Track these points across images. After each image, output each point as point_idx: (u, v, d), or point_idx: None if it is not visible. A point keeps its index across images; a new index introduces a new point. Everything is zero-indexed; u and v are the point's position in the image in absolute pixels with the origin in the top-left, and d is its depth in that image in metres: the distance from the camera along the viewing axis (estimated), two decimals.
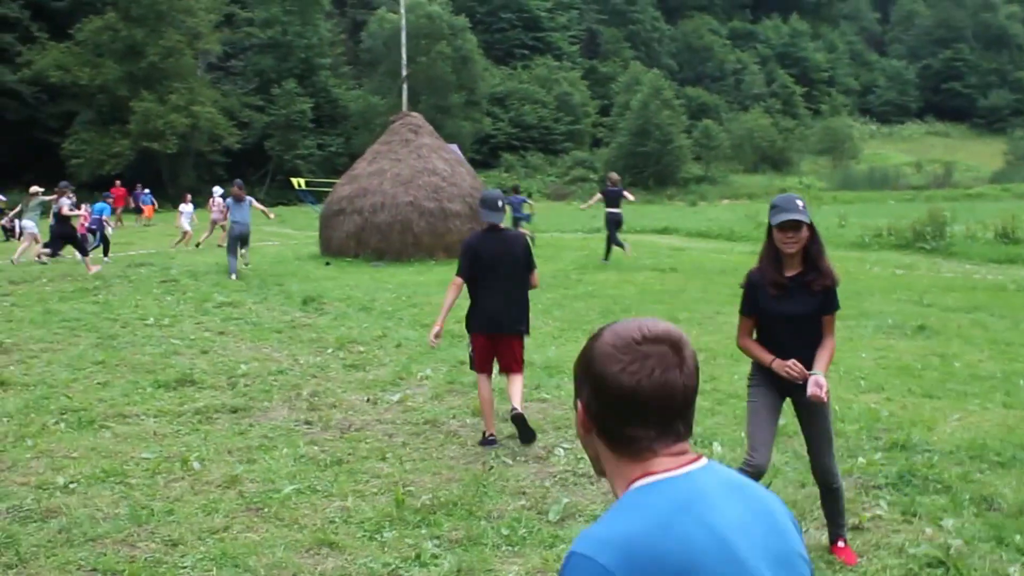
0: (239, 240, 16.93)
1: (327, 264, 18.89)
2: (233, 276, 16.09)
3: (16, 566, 4.58)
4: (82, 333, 11.00)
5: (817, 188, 49.97)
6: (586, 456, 5.53)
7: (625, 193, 18.76)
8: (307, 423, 7.18)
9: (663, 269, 17.13)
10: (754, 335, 4.58)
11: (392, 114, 33.03)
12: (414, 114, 22.69)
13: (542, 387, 8.22)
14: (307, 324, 11.60)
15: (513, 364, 6.78)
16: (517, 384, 6.74)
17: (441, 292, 14.14)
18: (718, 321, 11.43)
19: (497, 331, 6.69)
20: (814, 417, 4.52)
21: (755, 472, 4.36)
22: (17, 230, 27.49)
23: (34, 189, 19.70)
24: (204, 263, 19.00)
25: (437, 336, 6.82)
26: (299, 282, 15.53)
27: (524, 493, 5.58)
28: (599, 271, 17.12)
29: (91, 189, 42.08)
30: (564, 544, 4.78)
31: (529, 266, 6.81)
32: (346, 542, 4.84)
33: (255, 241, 22.58)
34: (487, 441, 6.60)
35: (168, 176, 43.43)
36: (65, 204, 17.93)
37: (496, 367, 6.87)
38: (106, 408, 7.57)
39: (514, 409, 6.59)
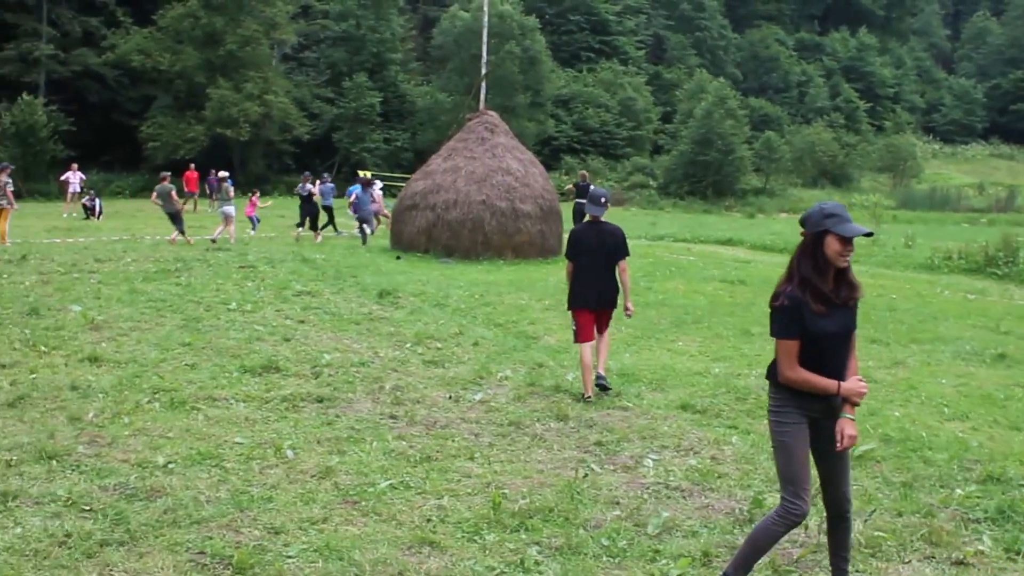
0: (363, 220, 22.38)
1: (398, 258, 19.02)
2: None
3: (127, 543, 4.66)
4: (167, 314, 11.25)
5: (884, 206, 49.07)
6: (677, 468, 5.49)
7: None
8: (392, 417, 7.22)
9: (731, 281, 16.92)
10: None
11: (460, 112, 33.20)
12: (491, 113, 22.70)
13: (623, 395, 8.16)
14: (384, 317, 11.69)
15: (603, 328, 8.20)
16: (605, 341, 8.23)
17: (511, 292, 14.39)
18: None
19: (589, 307, 8.05)
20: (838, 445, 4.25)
21: (801, 518, 4.11)
22: (98, 208, 28.48)
23: (223, 174, 22.05)
24: (280, 250, 19.28)
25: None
26: (372, 275, 15.67)
27: (618, 503, 5.54)
28: (668, 279, 16.99)
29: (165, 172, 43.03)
30: (665, 559, 4.74)
31: (619, 255, 7.99)
32: (447, 542, 4.84)
33: (327, 232, 23.80)
34: (584, 399, 7.89)
35: (239, 163, 44.11)
36: (310, 187, 22.95)
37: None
38: (196, 390, 7.71)
39: (599, 377, 8.05)
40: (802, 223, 4.15)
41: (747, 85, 73.06)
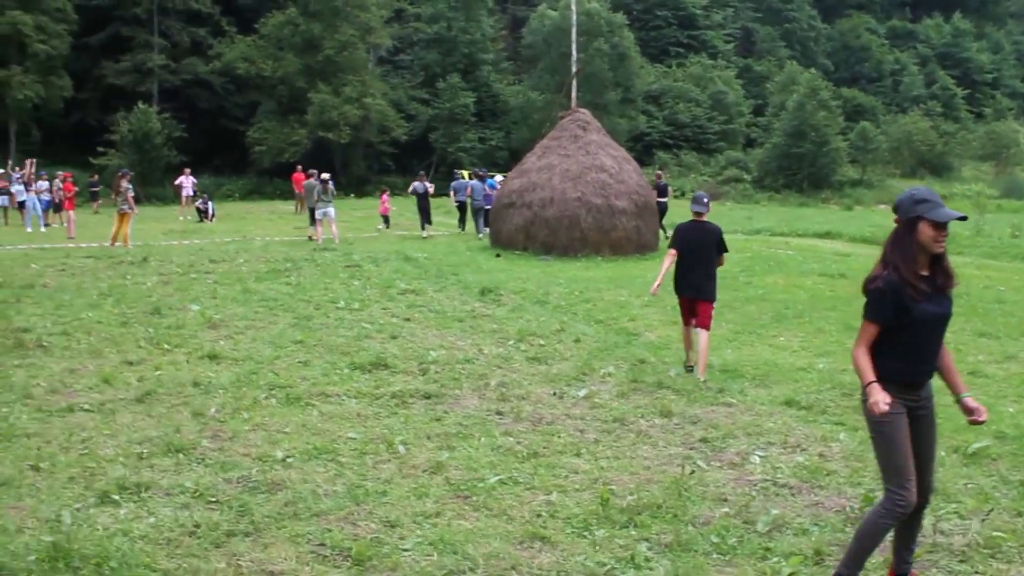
0: (477, 212, 24.17)
1: (497, 256, 19.21)
2: (480, 235, 23.48)
3: (252, 534, 4.88)
4: (279, 312, 11.64)
5: (986, 195, 47.21)
6: (784, 465, 5.45)
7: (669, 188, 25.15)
8: (498, 413, 7.33)
9: (831, 275, 16.59)
10: None
11: (552, 110, 33.28)
12: (583, 110, 22.74)
13: (726, 391, 8.11)
14: (486, 315, 11.84)
15: (702, 322, 8.83)
16: (703, 337, 8.80)
17: (610, 288, 14.42)
18: None
19: (693, 296, 8.86)
20: (929, 435, 4.21)
21: (907, 509, 4.05)
22: (210, 211, 29.56)
23: (325, 176, 22.66)
24: (384, 249, 19.69)
25: (655, 290, 9.12)
26: (473, 273, 15.88)
27: (726, 500, 5.52)
28: (767, 274, 16.76)
29: (271, 176, 44.51)
30: (776, 557, 4.71)
31: (719, 250, 8.87)
32: (557, 537, 4.91)
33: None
34: (688, 368, 8.88)
35: (340, 165, 45.23)
36: (427, 185, 25.10)
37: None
38: (309, 386, 7.97)
39: (690, 366, 8.91)
40: (895, 209, 4.14)
41: (839, 76, 71.46)
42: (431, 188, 25.43)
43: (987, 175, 59.27)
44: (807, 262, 18.66)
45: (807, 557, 4.69)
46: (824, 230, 27.13)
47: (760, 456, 6.33)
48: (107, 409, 7.21)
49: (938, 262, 4.09)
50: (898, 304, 3.99)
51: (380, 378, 8.34)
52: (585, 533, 4.99)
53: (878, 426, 4.08)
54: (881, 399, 3.90)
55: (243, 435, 6.59)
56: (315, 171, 23.99)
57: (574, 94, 26.01)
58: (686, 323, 9.02)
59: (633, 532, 5.00)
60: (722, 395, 7.98)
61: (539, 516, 5.21)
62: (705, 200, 8.95)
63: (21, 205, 26.53)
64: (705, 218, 8.89)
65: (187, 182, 32.28)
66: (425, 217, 24.59)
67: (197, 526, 4.94)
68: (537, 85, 54.58)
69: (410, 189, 25.36)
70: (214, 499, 5.35)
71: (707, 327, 8.82)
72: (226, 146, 46.55)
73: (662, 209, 23.25)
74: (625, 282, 15.17)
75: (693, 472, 5.97)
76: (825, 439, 6.74)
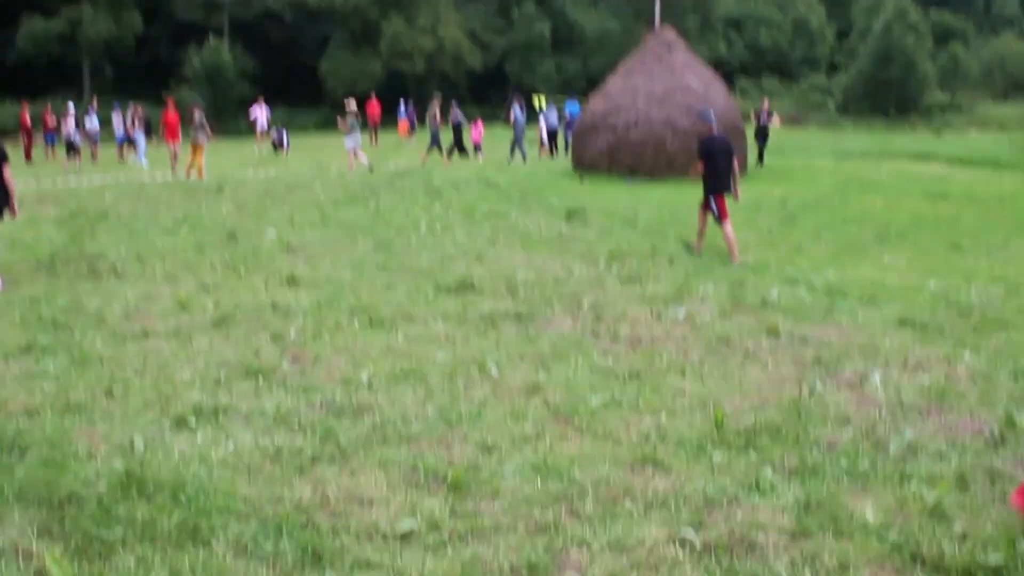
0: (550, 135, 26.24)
1: (581, 181, 18.65)
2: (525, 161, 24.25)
3: (338, 460, 4.51)
4: (359, 237, 11.37)
5: None
6: (908, 386, 4.85)
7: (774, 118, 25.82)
8: (594, 334, 6.94)
9: (932, 196, 15.91)
10: None
11: (632, 35, 32.18)
12: (668, 30, 21.76)
13: (834, 310, 7.63)
14: (575, 237, 11.45)
15: (727, 214, 10.30)
16: (731, 227, 10.22)
17: None
18: (1010, 250, 10.65)
19: (724, 191, 10.30)
20: None
21: None
22: (285, 142, 29.08)
23: (352, 108, 22.12)
24: (464, 175, 19.31)
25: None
26: (558, 196, 15.42)
27: (849, 422, 5.04)
28: (862, 195, 16.15)
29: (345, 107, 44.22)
30: (916, 481, 4.21)
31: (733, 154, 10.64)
32: (671, 461, 4.47)
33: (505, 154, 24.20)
34: (690, 248, 10.52)
35: (415, 96, 44.94)
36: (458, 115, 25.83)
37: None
38: (393, 309, 7.63)
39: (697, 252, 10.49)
40: None
41: None
42: (463, 120, 26.31)
43: None
44: (904, 184, 18.03)
45: (951, 483, 4.19)
46: (918, 151, 26.11)
47: (880, 377, 5.83)
48: (183, 334, 6.93)
49: None
50: None
51: (467, 300, 7.96)
52: (701, 457, 4.54)
53: None
54: None
55: (325, 358, 6.26)
56: (439, 94, 25.03)
57: (657, 15, 25.03)
58: (725, 217, 10.28)
59: (753, 455, 4.55)
60: (830, 314, 7.50)
61: (648, 439, 4.78)
62: (713, 117, 10.97)
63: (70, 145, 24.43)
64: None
65: (261, 114, 31.80)
66: (456, 147, 25.26)
67: (279, 452, 4.60)
68: (615, 12, 53.32)
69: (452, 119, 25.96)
70: (296, 424, 5.00)
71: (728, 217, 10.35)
72: (299, 79, 46.41)
73: (765, 135, 23.40)
74: None
75: (812, 393, 5.48)
76: (948, 359, 6.26)
